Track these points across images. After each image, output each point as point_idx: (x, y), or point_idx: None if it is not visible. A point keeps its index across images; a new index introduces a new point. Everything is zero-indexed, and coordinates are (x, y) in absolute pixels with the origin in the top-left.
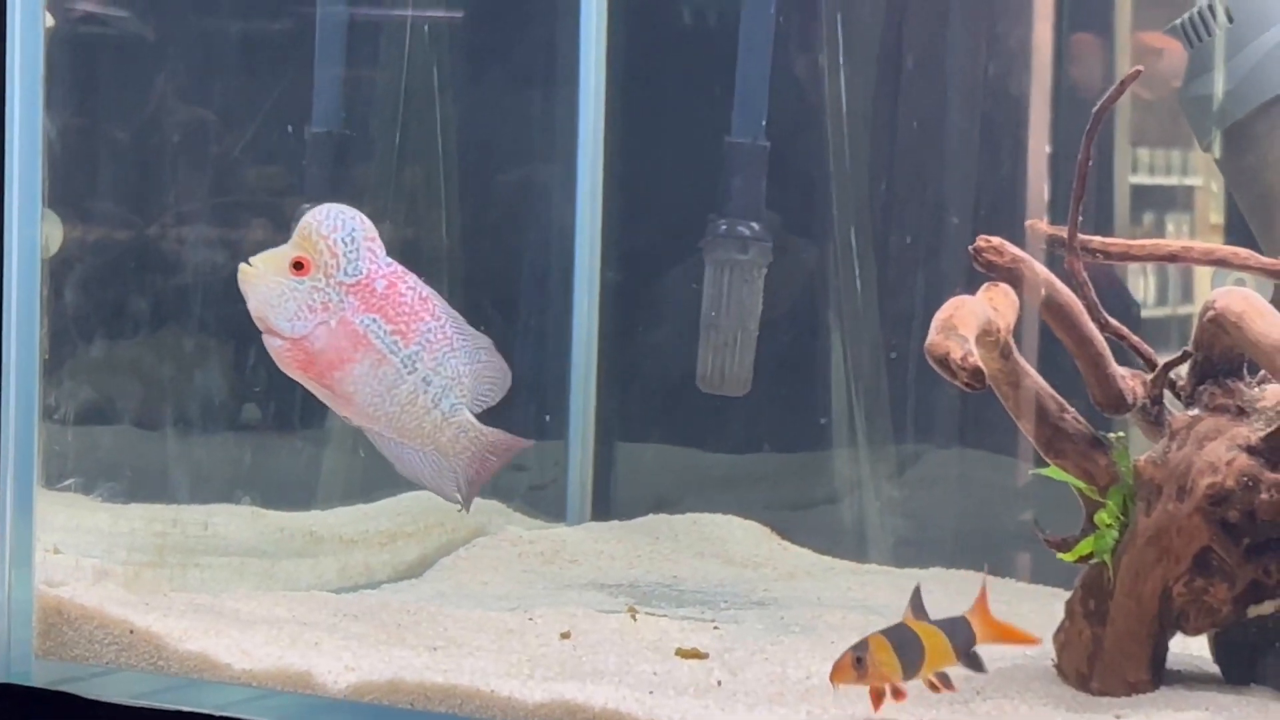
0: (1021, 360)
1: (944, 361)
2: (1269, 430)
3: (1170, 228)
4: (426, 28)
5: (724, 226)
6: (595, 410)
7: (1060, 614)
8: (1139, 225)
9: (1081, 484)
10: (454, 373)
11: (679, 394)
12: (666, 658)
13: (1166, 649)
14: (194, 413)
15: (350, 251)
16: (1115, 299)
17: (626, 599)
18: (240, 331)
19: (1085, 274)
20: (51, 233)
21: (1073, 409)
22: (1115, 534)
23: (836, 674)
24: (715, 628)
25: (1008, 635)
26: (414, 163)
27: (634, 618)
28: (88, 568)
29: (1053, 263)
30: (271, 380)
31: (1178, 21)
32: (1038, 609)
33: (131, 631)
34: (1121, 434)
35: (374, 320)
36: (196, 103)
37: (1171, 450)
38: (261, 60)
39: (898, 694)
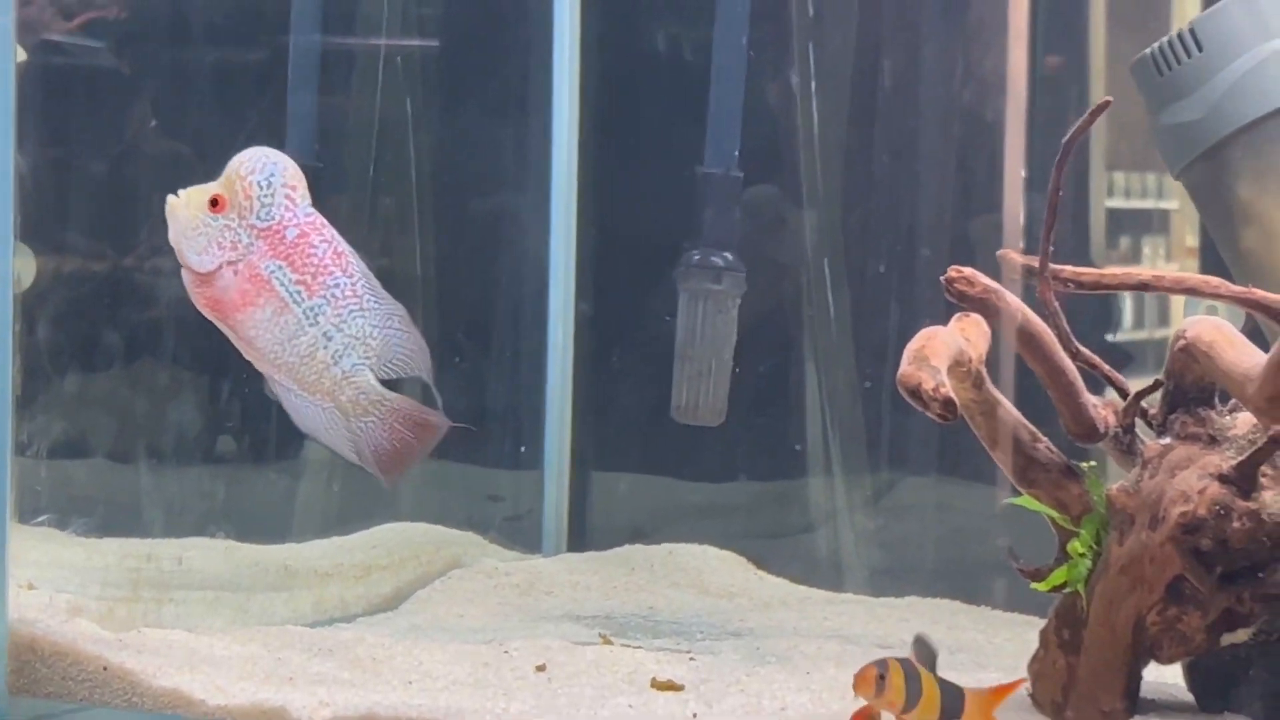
0: (994, 390)
1: (916, 393)
2: (1240, 459)
3: (1146, 250)
4: (400, 59)
5: (697, 257)
6: (571, 441)
7: (1036, 642)
8: (1115, 249)
9: (1055, 513)
10: (358, 332)
11: (655, 423)
12: (642, 690)
13: (1141, 677)
14: (168, 446)
15: (265, 195)
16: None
17: (602, 630)
18: (214, 364)
19: (1057, 303)
20: (24, 267)
21: (1045, 438)
22: (1088, 563)
23: (860, 685)
24: (691, 659)
25: None
26: (388, 193)
27: (607, 642)
28: (62, 603)
29: (1026, 292)
30: (246, 413)
31: (1148, 51)
32: (1014, 637)
33: (105, 668)
34: (1094, 463)
35: (280, 267)
36: (170, 135)
37: (1144, 479)
38: (235, 92)
39: None
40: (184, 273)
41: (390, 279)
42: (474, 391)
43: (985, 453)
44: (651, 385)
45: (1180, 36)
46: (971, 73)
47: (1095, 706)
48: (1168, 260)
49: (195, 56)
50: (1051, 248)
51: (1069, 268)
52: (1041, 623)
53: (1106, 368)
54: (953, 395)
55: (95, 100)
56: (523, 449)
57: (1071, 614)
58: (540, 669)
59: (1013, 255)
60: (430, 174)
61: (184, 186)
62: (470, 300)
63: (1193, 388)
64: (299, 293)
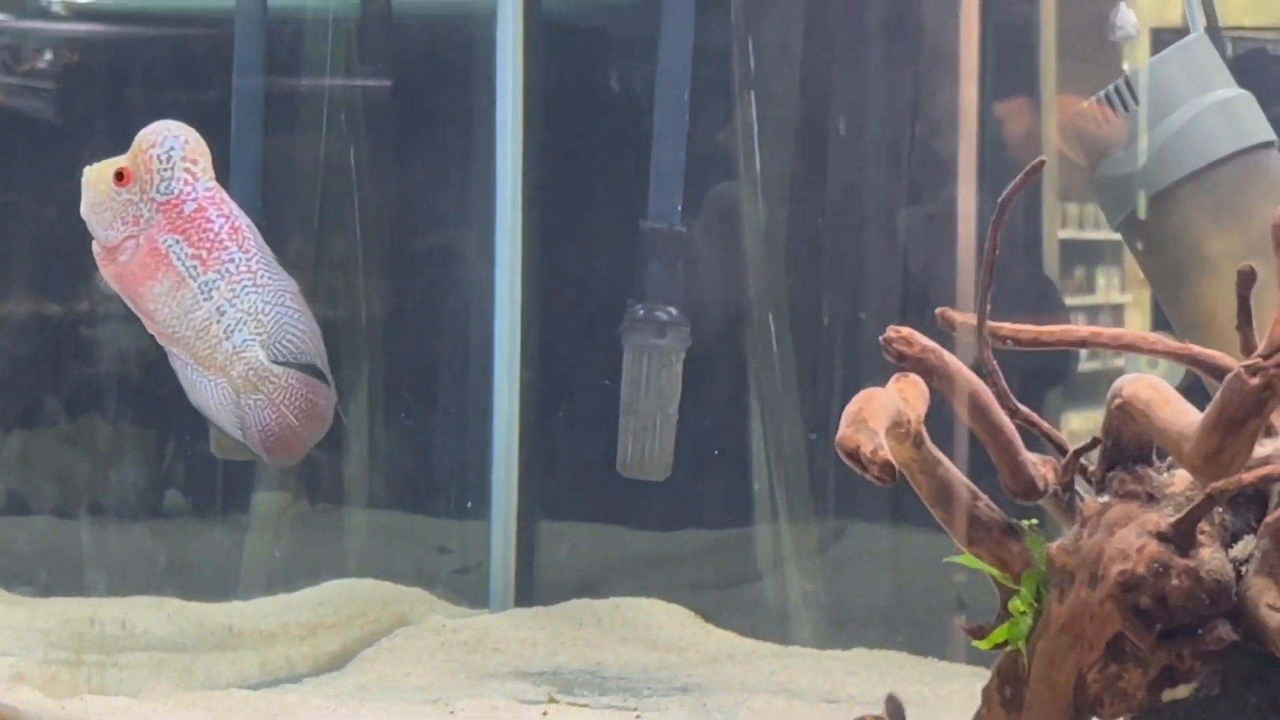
0: (934, 449)
1: (855, 455)
2: (1178, 516)
3: (1101, 281)
4: (344, 107)
5: (641, 312)
6: (518, 493)
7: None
8: (1069, 279)
9: (996, 571)
10: (251, 307)
11: (602, 475)
12: None
13: None
14: (112, 503)
15: (165, 169)
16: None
17: (549, 687)
18: (158, 420)
19: (995, 361)
20: None
21: (985, 496)
22: (1029, 621)
23: None
24: (638, 717)
25: None
26: (333, 244)
27: (553, 701)
28: (4, 668)
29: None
30: (190, 469)
31: (1086, 104)
32: (961, 689)
33: None
34: (1035, 521)
35: (177, 241)
36: None
37: (1083, 537)
38: None
39: None
40: (94, 246)
41: (336, 330)
42: (420, 443)
43: None
44: (599, 437)
45: (1117, 89)
46: (920, 116)
47: None
48: (1122, 291)
49: (137, 103)
50: (989, 306)
51: (1007, 325)
52: (989, 675)
53: (1045, 425)
54: (891, 457)
55: (34, 150)
56: (469, 504)
57: (1013, 672)
58: None
59: (950, 313)
60: (375, 224)
61: None
62: (416, 352)
63: (1130, 445)
64: (195, 267)
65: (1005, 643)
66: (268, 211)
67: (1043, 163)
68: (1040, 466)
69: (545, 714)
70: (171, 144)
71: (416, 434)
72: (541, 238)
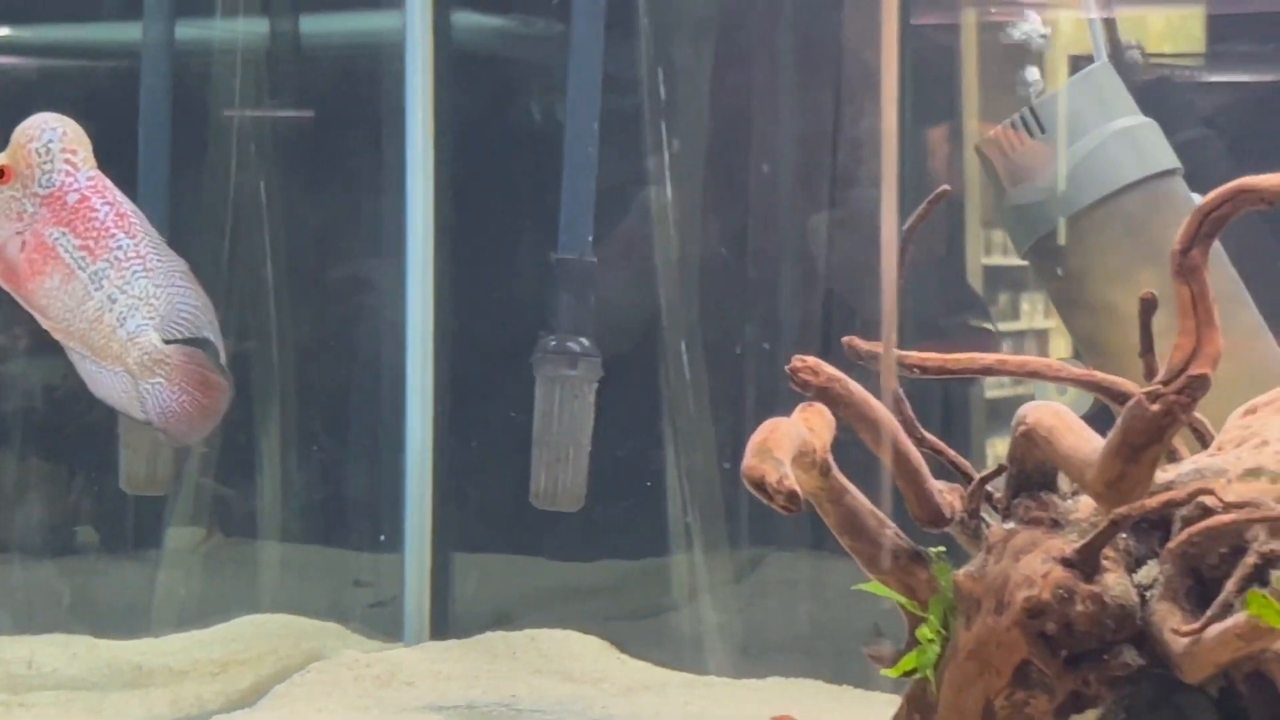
0: (841, 477)
1: (760, 485)
2: (1083, 542)
3: (1025, 307)
4: (253, 147)
5: (553, 342)
6: (432, 525)
7: None
8: (994, 305)
9: (903, 599)
10: (142, 293)
11: (516, 506)
12: None
13: None
14: (18, 541)
15: (45, 163)
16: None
17: None
18: (67, 455)
19: (901, 390)
20: None
21: (893, 524)
22: (937, 649)
23: None
24: None
25: None
26: (243, 277)
27: None
28: None
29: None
30: (100, 505)
31: (992, 133)
32: (878, 717)
33: None
34: (942, 548)
35: (63, 234)
36: None
37: (989, 564)
38: None
39: None
40: None
41: (248, 362)
42: (333, 476)
43: None
44: (513, 468)
45: (1023, 118)
46: (834, 144)
47: None
48: (1046, 316)
49: None
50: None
51: (914, 354)
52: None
53: (952, 453)
54: (796, 487)
55: None
56: (382, 536)
57: (922, 699)
58: None
59: (857, 342)
60: (286, 256)
61: None
62: (328, 384)
63: (1035, 472)
64: (83, 258)
65: (914, 670)
66: (177, 244)
67: (946, 192)
68: (947, 494)
69: None
70: (50, 136)
71: (329, 466)
72: (453, 269)
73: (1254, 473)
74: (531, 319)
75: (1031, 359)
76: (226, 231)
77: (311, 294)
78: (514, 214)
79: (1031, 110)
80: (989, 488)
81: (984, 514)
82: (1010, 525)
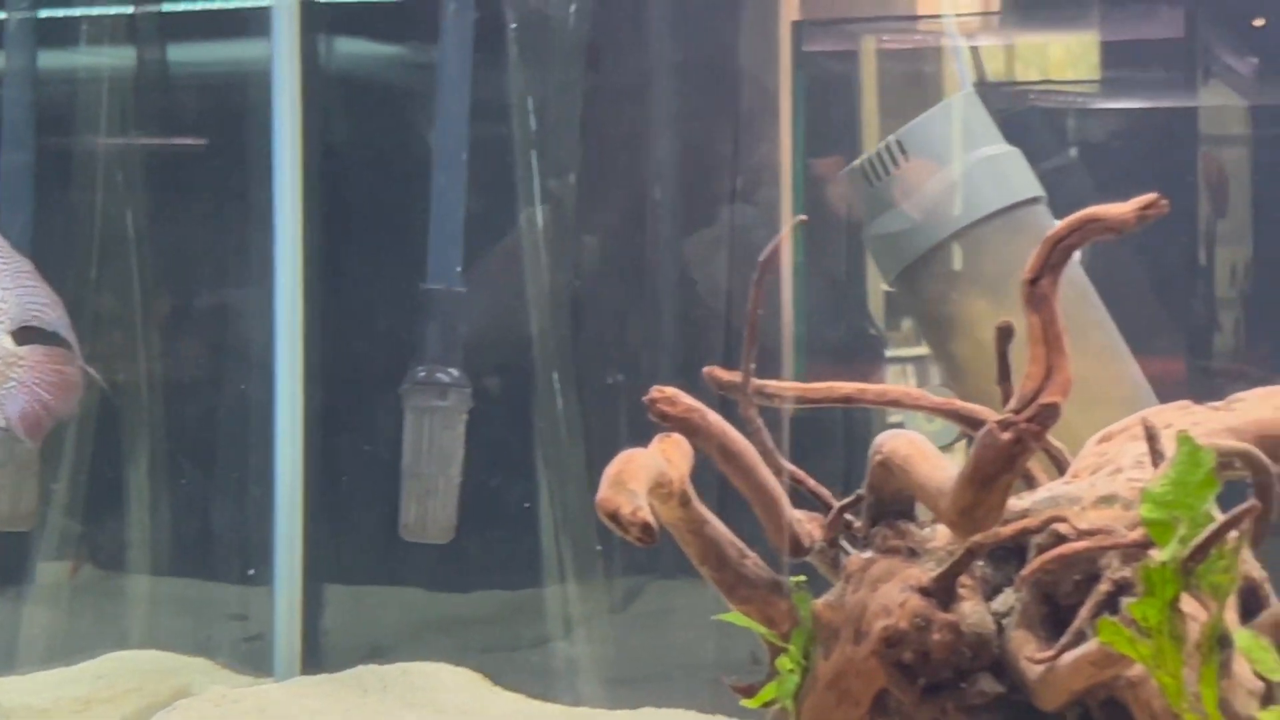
0: (701, 507)
1: (614, 517)
2: (939, 571)
3: None
4: (120, 175)
5: (423, 373)
6: (302, 558)
7: None
8: (897, 330)
9: (764, 629)
10: None
11: (388, 538)
12: None
13: None
14: None
15: None
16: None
17: None
18: None
19: (760, 420)
20: None
21: (754, 554)
22: (797, 679)
23: None
24: None
25: None
26: (110, 310)
27: None
28: None
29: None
30: None
31: (858, 162)
32: None
33: None
34: (803, 578)
35: None
36: None
37: (848, 593)
38: None
39: None
40: None
41: (115, 395)
42: (202, 508)
43: None
44: (383, 500)
45: (888, 147)
46: (714, 171)
47: None
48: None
49: None
50: (753, 365)
51: (772, 383)
52: None
53: (812, 482)
54: (651, 519)
55: None
56: (251, 569)
57: None
58: None
59: (717, 371)
60: (154, 285)
61: None
62: (196, 414)
63: (892, 501)
64: None
65: (774, 701)
66: (42, 273)
67: (803, 221)
68: (807, 523)
69: None
70: None
71: (198, 498)
72: (322, 298)
73: (1107, 500)
74: (402, 349)
75: (891, 388)
76: (94, 261)
77: (179, 324)
78: (384, 243)
79: (898, 140)
80: (848, 516)
81: (843, 543)
82: (868, 554)
